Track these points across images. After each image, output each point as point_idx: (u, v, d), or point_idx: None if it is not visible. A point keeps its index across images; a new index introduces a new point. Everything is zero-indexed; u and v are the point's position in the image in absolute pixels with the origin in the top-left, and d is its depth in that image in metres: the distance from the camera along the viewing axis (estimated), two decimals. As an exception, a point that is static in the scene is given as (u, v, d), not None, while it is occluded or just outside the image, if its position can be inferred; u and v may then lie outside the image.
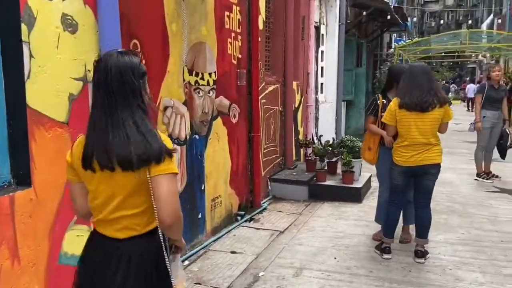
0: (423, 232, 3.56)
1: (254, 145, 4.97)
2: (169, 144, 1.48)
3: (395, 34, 21.33)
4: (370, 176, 6.15)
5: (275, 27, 5.83)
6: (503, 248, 3.85)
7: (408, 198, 3.70)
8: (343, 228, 4.49)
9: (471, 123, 6.34)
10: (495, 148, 6.44)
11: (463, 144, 9.72)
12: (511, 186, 6.17)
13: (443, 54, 14.46)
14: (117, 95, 1.41)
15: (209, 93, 4.01)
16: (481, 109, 6.17)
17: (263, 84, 5.29)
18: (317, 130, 8.63)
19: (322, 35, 8.70)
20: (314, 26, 8.13)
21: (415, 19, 41.03)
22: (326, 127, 8.76)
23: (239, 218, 4.71)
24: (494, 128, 6.27)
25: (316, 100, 8.49)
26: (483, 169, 6.57)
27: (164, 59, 3.33)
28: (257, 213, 4.93)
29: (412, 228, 4.09)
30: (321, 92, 8.87)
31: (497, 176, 6.57)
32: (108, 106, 1.41)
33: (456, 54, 13.97)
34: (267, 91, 5.43)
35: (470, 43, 10.23)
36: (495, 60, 11.82)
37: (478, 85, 7.04)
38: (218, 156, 4.27)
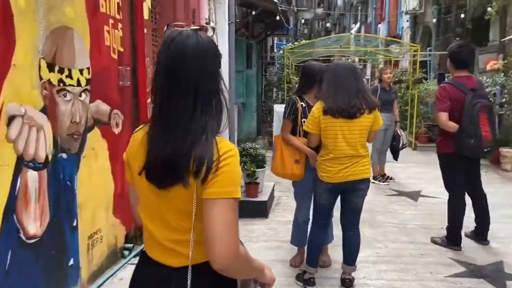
0: (352, 257, 3.08)
1: (143, 159, 4.03)
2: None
3: (276, 38, 21.76)
4: (274, 186, 5.65)
5: (163, 19, 4.95)
6: (425, 263, 3.60)
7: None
8: (254, 253, 3.76)
9: None
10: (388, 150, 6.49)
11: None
12: (406, 188, 6.24)
13: (320, 58, 14.98)
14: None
15: (80, 96, 3.00)
16: None
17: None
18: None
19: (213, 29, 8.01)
20: (205, 22, 7.41)
21: (291, 25, 43.04)
22: (219, 132, 8.10)
23: (126, 253, 3.75)
24: (387, 131, 6.28)
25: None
26: (378, 172, 6.58)
27: (6, 48, 2.27)
28: (149, 244, 4.01)
29: (331, 247, 3.64)
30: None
31: (391, 178, 6.64)
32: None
33: (332, 58, 14.67)
34: (156, 94, 4.52)
35: (344, 47, 10.59)
36: (387, 63, 12.54)
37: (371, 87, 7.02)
38: (96, 178, 3.27)
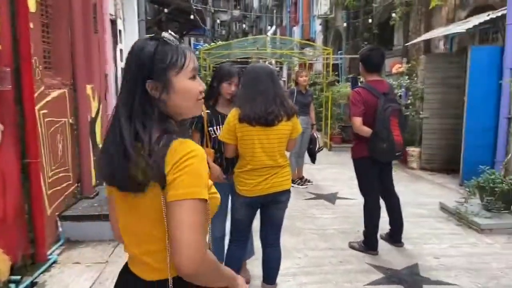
0: (272, 275, 2.87)
1: (32, 174, 3.47)
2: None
3: (193, 38, 21.30)
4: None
5: (56, 12, 4.36)
6: (344, 271, 3.52)
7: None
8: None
9: None
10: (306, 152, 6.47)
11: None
12: (324, 190, 6.27)
13: (238, 60, 14.86)
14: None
15: None
16: None
17: (42, 88, 3.81)
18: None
19: (120, 31, 7.43)
20: (110, 19, 6.81)
21: (208, 26, 42.69)
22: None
23: (13, 286, 3.17)
24: (304, 134, 6.25)
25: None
26: (296, 175, 6.54)
27: None
28: (42, 272, 3.47)
29: (250, 262, 3.41)
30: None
31: (309, 181, 6.64)
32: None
33: (250, 60, 14.59)
34: (49, 98, 3.95)
35: (260, 49, 10.55)
36: (303, 65, 12.66)
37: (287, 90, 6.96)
38: (-35, 203, 2.68)
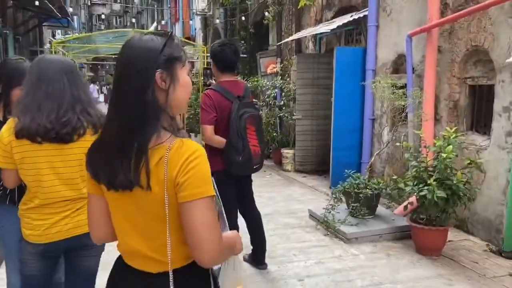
0: None
1: None
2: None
3: (59, 31, 19.05)
4: None
5: None
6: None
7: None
8: None
9: None
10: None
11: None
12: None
13: (113, 55, 13.52)
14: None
15: None
16: None
17: None
18: None
19: None
20: None
21: (83, 19, 39.31)
22: None
23: None
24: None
25: None
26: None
27: None
28: None
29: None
30: None
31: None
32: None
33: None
34: None
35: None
36: None
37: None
38: None
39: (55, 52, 8.35)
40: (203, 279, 1.22)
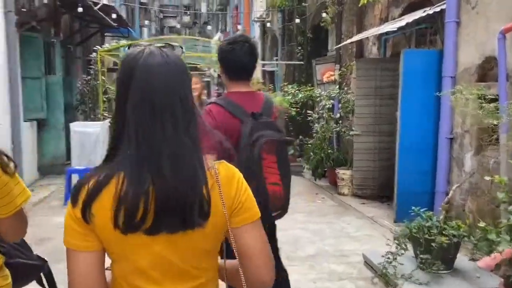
0: None
1: None
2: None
3: (124, 41, 19.38)
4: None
5: None
6: None
7: None
8: None
9: None
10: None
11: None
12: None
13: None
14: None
15: None
16: None
17: None
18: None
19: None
20: None
21: (153, 31, 40.71)
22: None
23: None
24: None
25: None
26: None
27: None
28: None
29: None
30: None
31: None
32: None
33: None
34: None
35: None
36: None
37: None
38: None
39: (101, 61, 8.03)
40: None
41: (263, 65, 14.05)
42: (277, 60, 12.58)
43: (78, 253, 0.96)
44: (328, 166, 7.01)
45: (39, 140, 7.72)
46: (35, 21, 7.19)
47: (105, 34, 13.46)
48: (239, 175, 1.07)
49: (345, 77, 7.29)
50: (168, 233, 0.96)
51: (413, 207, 3.60)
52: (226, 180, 1.03)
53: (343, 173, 6.50)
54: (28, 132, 7.22)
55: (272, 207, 2.11)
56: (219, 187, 1.01)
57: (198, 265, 1.02)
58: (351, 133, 6.31)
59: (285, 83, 10.04)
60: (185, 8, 54.67)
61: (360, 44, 7.00)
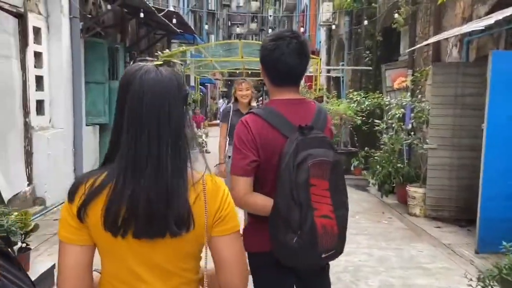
0: None
1: None
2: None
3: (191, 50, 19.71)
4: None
5: None
6: None
7: None
8: None
9: (216, 165, 4.36)
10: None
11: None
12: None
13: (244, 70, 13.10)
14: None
15: None
16: (227, 145, 4.26)
17: None
18: (31, 171, 5.71)
19: (38, 29, 5.85)
20: (12, 12, 5.25)
21: (220, 38, 41.47)
22: (55, 165, 5.91)
23: None
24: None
25: (27, 126, 5.59)
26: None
27: None
28: None
29: None
30: (40, 113, 5.97)
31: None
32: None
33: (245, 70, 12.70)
34: None
35: (233, 58, 8.71)
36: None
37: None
38: None
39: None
40: None
41: (328, 71, 13.46)
42: (343, 65, 11.95)
43: (69, 246, 1.05)
44: (397, 182, 6.31)
45: (101, 144, 7.82)
46: (100, 27, 7.30)
47: (172, 40, 13.70)
48: (224, 188, 1.14)
49: (419, 83, 6.56)
50: (149, 238, 1.04)
51: (503, 243, 2.92)
52: (211, 193, 1.10)
53: (415, 191, 5.78)
54: (90, 136, 7.33)
55: (322, 247, 1.65)
56: (205, 199, 1.08)
57: (182, 266, 1.11)
58: (425, 146, 5.59)
59: (351, 90, 9.41)
60: (252, 16, 55.33)
61: (437, 46, 6.25)
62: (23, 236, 3.20)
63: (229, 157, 4.20)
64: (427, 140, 5.72)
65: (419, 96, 6.20)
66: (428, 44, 6.06)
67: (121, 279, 1.08)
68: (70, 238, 1.05)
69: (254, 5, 52.52)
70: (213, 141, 3.62)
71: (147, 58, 1.17)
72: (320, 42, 16.14)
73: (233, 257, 1.12)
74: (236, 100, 4.23)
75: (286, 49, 1.72)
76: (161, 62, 1.09)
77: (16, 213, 3.22)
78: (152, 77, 1.03)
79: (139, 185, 1.01)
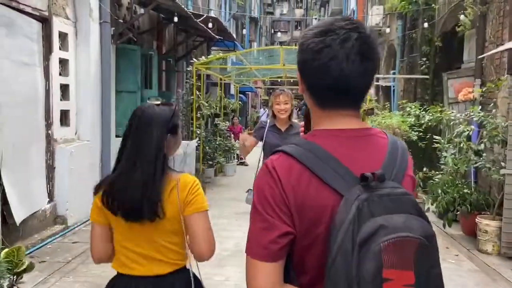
0: None
1: None
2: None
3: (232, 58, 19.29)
4: None
5: None
6: None
7: None
8: None
9: (248, 190, 3.64)
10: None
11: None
12: None
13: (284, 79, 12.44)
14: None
15: None
16: (261, 157, 3.56)
17: None
18: (53, 188, 5.28)
19: (65, 34, 5.46)
20: (35, 16, 4.88)
21: (263, 45, 41.12)
22: (79, 180, 5.47)
23: None
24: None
25: (49, 138, 5.18)
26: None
27: None
28: None
29: None
30: (64, 124, 5.56)
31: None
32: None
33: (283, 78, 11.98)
34: None
35: (274, 65, 8.01)
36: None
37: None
38: None
39: (197, 74, 7.45)
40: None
41: (377, 79, 12.52)
42: (394, 73, 10.99)
43: (96, 225, 1.64)
44: (463, 211, 5.36)
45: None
46: (133, 33, 6.87)
47: (211, 48, 13.26)
48: (193, 180, 1.61)
49: (491, 95, 5.60)
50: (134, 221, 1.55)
51: None
52: (183, 184, 1.57)
53: (487, 224, 4.83)
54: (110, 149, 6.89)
55: None
56: (178, 190, 1.55)
57: (168, 240, 1.59)
58: (502, 171, 4.64)
59: (404, 101, 8.47)
60: (296, 23, 54.82)
61: (514, 52, 5.28)
62: (13, 278, 2.66)
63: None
64: (502, 164, 4.78)
65: (494, 110, 5.23)
66: (504, 50, 5.12)
67: (126, 247, 1.60)
68: (96, 219, 1.63)
69: (298, 12, 51.99)
70: (251, 152, 3.25)
71: (158, 98, 1.84)
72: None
73: (200, 230, 1.55)
74: (273, 115, 3.51)
75: (340, 49, 1.01)
76: (160, 102, 1.67)
77: (6, 250, 2.68)
78: (147, 109, 1.61)
79: (128, 178, 1.55)
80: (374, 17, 12.31)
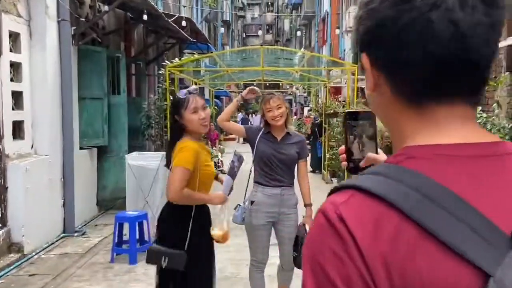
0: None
1: None
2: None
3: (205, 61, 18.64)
4: None
5: None
6: None
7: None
8: None
9: (237, 206, 3.04)
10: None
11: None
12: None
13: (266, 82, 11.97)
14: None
15: None
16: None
17: None
18: (5, 211, 4.54)
19: (16, 34, 4.74)
20: None
21: (235, 46, 40.71)
22: (36, 201, 4.76)
23: None
24: (286, 222, 3.10)
25: (0, 154, 4.45)
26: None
27: None
28: None
29: None
30: (18, 137, 4.84)
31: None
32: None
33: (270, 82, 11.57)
34: None
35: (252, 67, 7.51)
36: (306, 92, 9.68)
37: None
38: None
39: (169, 77, 6.83)
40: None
41: (357, 81, 12.19)
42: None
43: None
44: None
45: (99, 169, 6.67)
46: (98, 33, 6.20)
47: (184, 50, 12.64)
48: (182, 146, 2.42)
49: (488, 94, 5.24)
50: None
51: None
52: (177, 147, 2.42)
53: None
54: (86, 161, 6.19)
55: None
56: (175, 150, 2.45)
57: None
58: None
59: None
60: (267, 27, 54.57)
61: (513, 48, 4.94)
62: None
63: (253, 202, 2.94)
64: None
65: (494, 111, 4.87)
66: (500, 48, 4.76)
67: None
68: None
69: (270, 17, 51.82)
70: (230, 159, 2.82)
71: (193, 86, 2.91)
72: (344, 50, 14.93)
73: (170, 178, 2.38)
74: (266, 123, 2.94)
75: (438, 13, 0.51)
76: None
77: None
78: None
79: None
80: (350, 20, 12.01)
